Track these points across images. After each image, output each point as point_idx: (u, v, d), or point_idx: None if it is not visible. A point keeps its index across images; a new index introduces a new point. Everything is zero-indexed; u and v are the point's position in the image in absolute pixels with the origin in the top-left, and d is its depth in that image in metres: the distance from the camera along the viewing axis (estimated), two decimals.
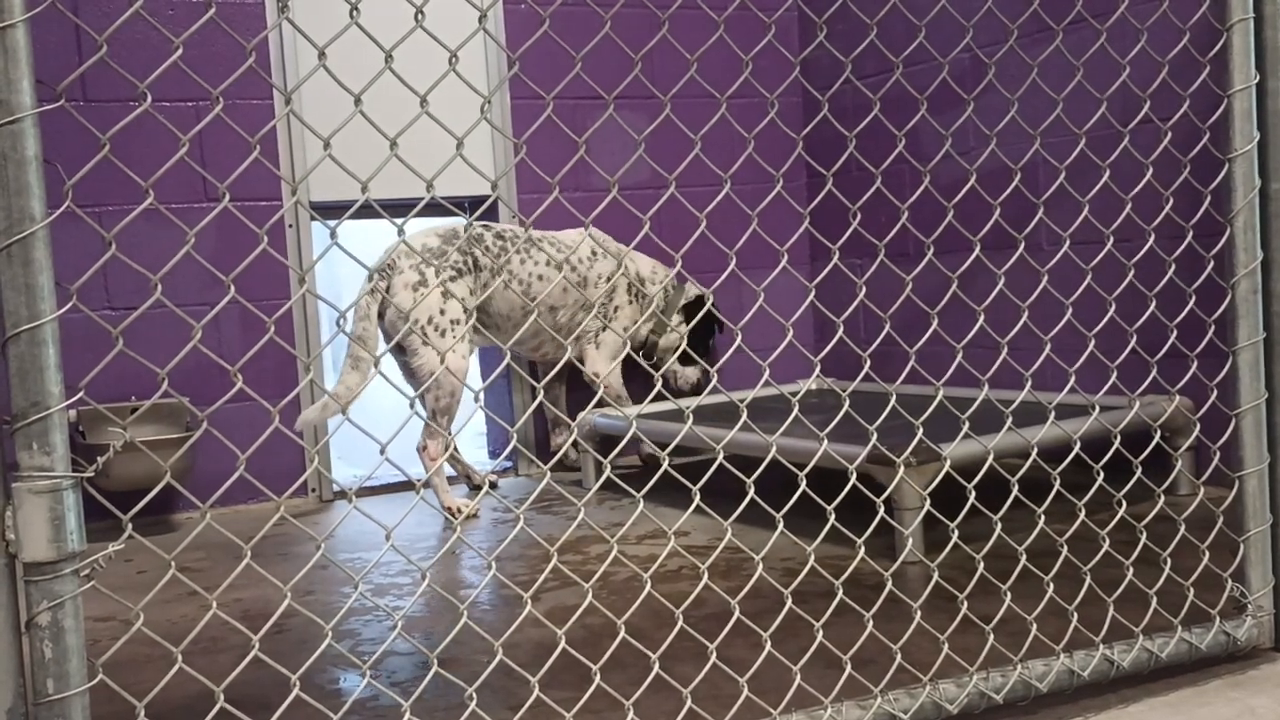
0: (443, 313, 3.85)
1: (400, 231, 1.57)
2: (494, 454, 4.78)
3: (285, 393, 4.05)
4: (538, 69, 4.02)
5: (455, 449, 4.11)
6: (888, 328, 1.96)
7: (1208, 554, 2.18)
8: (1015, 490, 2.05)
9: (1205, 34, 2.13)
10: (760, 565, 1.90)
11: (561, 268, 4.18)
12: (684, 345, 4.51)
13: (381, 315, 3.86)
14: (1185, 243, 2.25)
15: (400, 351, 3.94)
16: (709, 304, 3.45)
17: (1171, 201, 2.20)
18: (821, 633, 1.88)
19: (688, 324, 4.48)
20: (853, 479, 2.02)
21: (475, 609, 2.74)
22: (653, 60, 4.66)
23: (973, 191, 2.27)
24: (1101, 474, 2.11)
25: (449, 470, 4.15)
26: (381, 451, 1.58)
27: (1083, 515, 2.09)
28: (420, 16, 1.57)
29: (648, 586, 1.85)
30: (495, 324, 4.11)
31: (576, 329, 4.28)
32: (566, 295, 4.22)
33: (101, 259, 1.41)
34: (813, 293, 1.96)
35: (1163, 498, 2.21)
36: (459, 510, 3.72)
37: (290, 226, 4.20)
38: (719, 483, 1.92)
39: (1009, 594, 2.03)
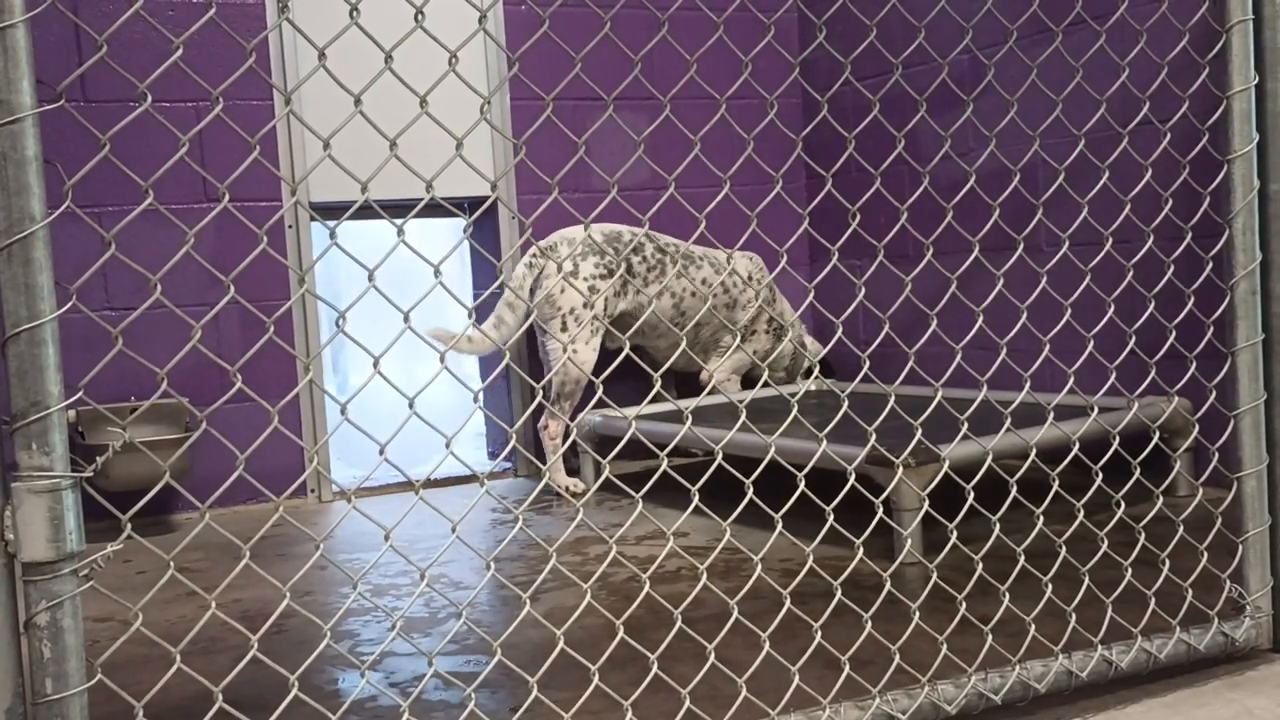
0: (587, 306, 4.02)
1: (400, 233, 1.57)
2: (493, 455, 4.78)
3: (284, 393, 4.05)
4: (537, 70, 4.03)
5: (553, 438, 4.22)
6: (887, 328, 1.97)
7: (1206, 555, 2.18)
8: (1014, 491, 2.06)
9: (1204, 35, 2.13)
10: (759, 566, 1.90)
11: (718, 293, 4.39)
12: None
13: (532, 291, 4.11)
14: (1184, 244, 2.26)
15: (540, 331, 4.17)
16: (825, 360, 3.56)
17: (1170, 203, 2.20)
18: (820, 633, 1.88)
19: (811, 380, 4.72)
20: (851, 479, 2.02)
21: (474, 609, 2.74)
22: (652, 61, 4.65)
23: (972, 192, 2.27)
24: (1100, 475, 2.11)
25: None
26: (381, 452, 1.58)
27: (1081, 516, 2.09)
28: (420, 17, 1.57)
29: (646, 587, 1.85)
30: (640, 330, 4.31)
31: (709, 343, 4.50)
32: (714, 314, 4.40)
33: (101, 259, 1.41)
34: (812, 293, 1.96)
35: (1161, 499, 2.21)
36: (569, 489, 3.99)
37: (290, 227, 4.20)
38: (718, 483, 1.92)
39: (1007, 595, 2.03)
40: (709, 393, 4.22)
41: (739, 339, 4.22)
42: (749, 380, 4.70)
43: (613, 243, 4.17)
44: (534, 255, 4.13)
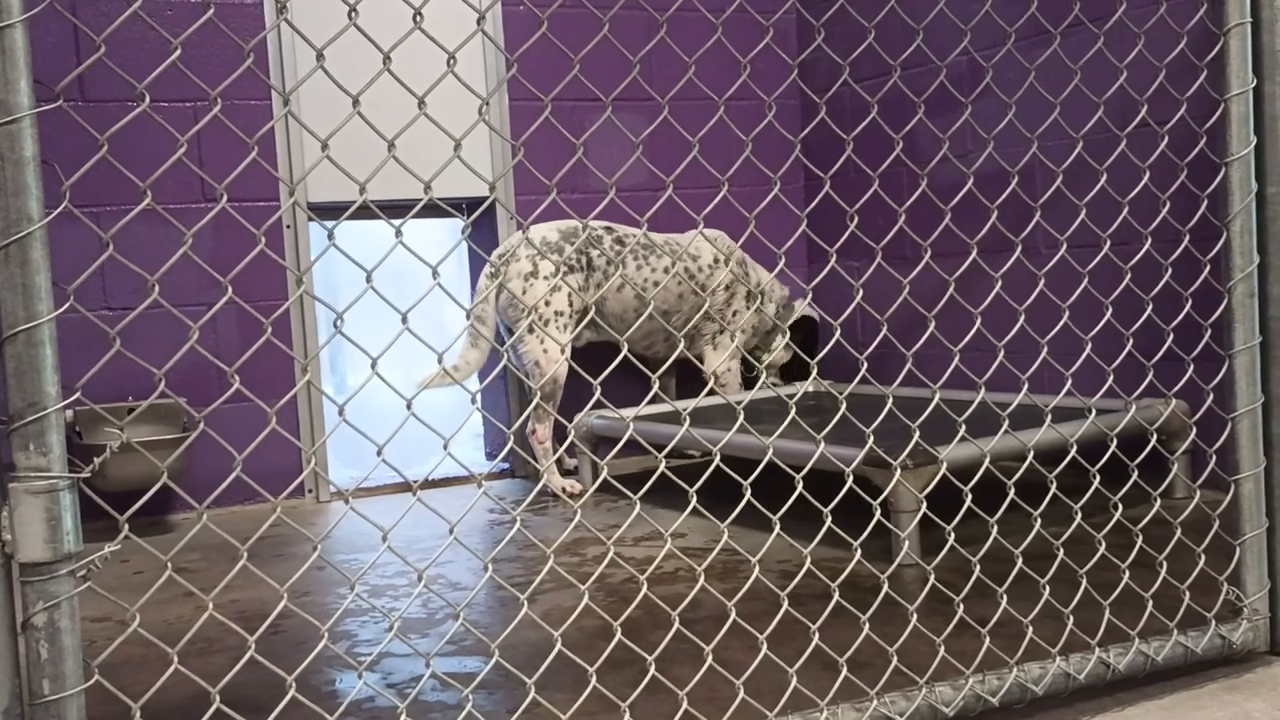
0: (548, 304, 4.07)
1: (398, 234, 1.57)
2: (490, 455, 4.78)
3: (282, 394, 4.05)
4: (536, 71, 4.03)
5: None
6: (885, 330, 1.97)
7: (1204, 557, 2.18)
8: (1011, 493, 2.06)
9: (1202, 38, 2.13)
10: (757, 567, 1.90)
11: (683, 280, 4.37)
12: (767, 358, 4.69)
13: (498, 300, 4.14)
14: (1182, 246, 2.26)
15: (509, 335, 4.18)
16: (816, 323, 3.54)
17: (1168, 205, 2.20)
18: (818, 635, 1.88)
19: (794, 342, 4.68)
20: (849, 481, 2.02)
21: (472, 610, 2.74)
22: (651, 62, 4.65)
23: (970, 194, 2.27)
24: (1098, 477, 2.11)
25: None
26: (378, 453, 1.58)
27: (1079, 518, 2.09)
28: (418, 18, 1.57)
29: (644, 588, 1.85)
30: (609, 323, 4.29)
31: (692, 331, 4.49)
32: (683, 301, 4.37)
33: (99, 259, 1.41)
34: (810, 295, 1.96)
35: (1159, 501, 2.21)
36: (566, 490, 4.00)
37: (288, 228, 4.20)
38: (716, 485, 1.92)
39: (1005, 597, 2.03)
40: (707, 393, 4.22)
41: (730, 326, 4.23)
42: (747, 360, 4.69)
43: (570, 239, 4.16)
44: (494, 264, 4.15)
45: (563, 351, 4.01)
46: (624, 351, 1.80)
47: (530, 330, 4.04)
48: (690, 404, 4.10)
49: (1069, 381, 2.13)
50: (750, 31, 4.76)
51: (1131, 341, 2.18)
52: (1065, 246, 2.25)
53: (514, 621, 1.98)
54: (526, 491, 4.24)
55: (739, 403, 3.13)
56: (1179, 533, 2.21)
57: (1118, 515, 2.14)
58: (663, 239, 4.46)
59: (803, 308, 4.70)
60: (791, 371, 4.75)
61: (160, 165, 1.41)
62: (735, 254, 4.51)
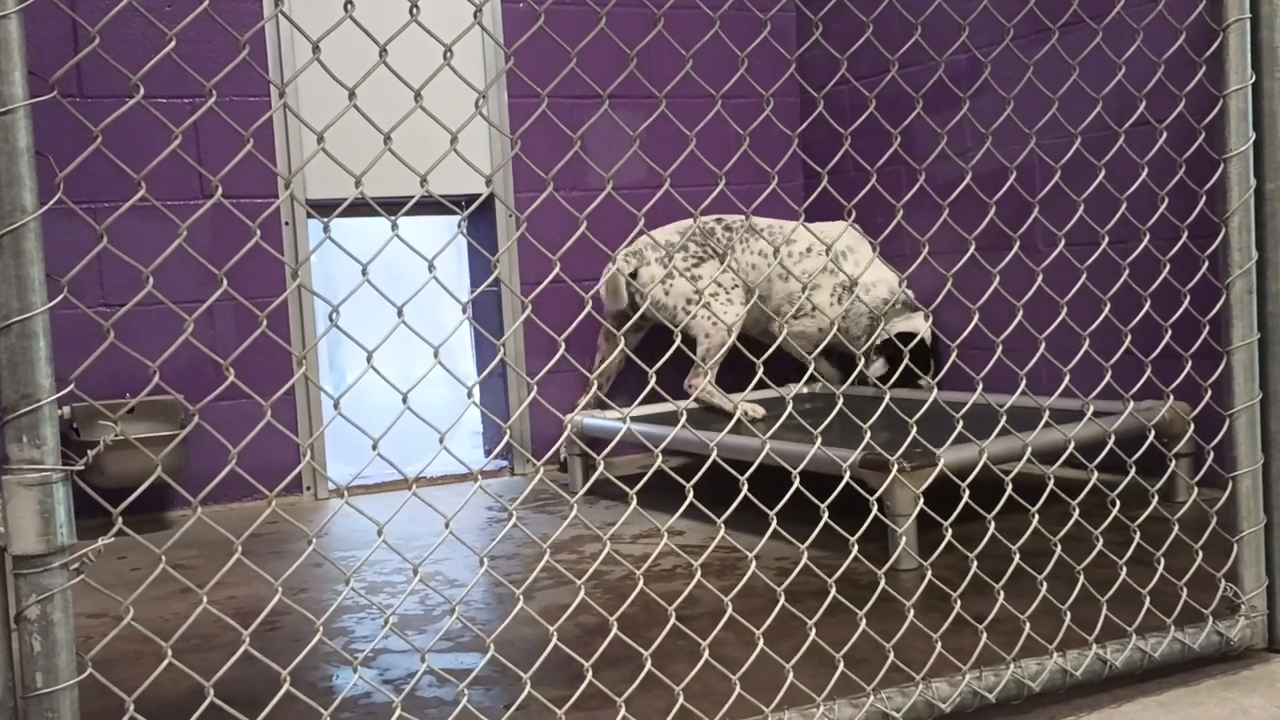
0: (698, 293, 4.33)
1: (394, 226, 1.57)
2: (489, 452, 4.77)
3: (279, 389, 4.05)
4: (534, 67, 4.03)
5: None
6: (883, 326, 1.96)
7: (1201, 554, 2.17)
8: (1009, 490, 2.05)
9: (1201, 34, 2.13)
10: (754, 564, 1.90)
11: (772, 263, 4.49)
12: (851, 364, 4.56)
13: (628, 284, 4.36)
14: (1180, 243, 2.26)
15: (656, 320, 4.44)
16: (912, 344, 3.54)
17: (1167, 202, 2.20)
18: (814, 631, 1.88)
19: (889, 358, 4.22)
20: (845, 479, 2.02)
21: (468, 607, 2.74)
22: (649, 58, 4.65)
23: (968, 191, 2.27)
24: (1095, 474, 2.11)
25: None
26: (374, 447, 1.58)
27: (1076, 514, 2.09)
28: (415, 11, 1.56)
29: (640, 584, 1.85)
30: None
31: (773, 312, 4.60)
32: (771, 285, 4.41)
33: (94, 250, 1.41)
34: (808, 291, 1.96)
35: (1156, 498, 2.21)
36: (748, 412, 4.03)
37: (286, 224, 4.19)
38: (714, 483, 1.92)
39: (1002, 593, 2.03)
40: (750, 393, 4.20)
41: (803, 311, 4.28)
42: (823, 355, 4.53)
43: (693, 238, 4.35)
44: (627, 255, 4.34)
45: (711, 325, 4.17)
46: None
47: (689, 315, 4.24)
48: (685, 403, 4.10)
49: (1066, 378, 2.13)
50: (748, 27, 4.75)
51: (1130, 338, 2.17)
52: (1064, 243, 2.25)
53: (510, 617, 1.97)
54: (524, 488, 4.24)
55: (735, 405, 3.12)
56: (1176, 530, 2.21)
57: (1115, 512, 2.13)
58: (765, 224, 4.47)
59: (904, 323, 4.01)
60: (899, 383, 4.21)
61: (161, 164, 1.40)
62: (837, 244, 4.25)
